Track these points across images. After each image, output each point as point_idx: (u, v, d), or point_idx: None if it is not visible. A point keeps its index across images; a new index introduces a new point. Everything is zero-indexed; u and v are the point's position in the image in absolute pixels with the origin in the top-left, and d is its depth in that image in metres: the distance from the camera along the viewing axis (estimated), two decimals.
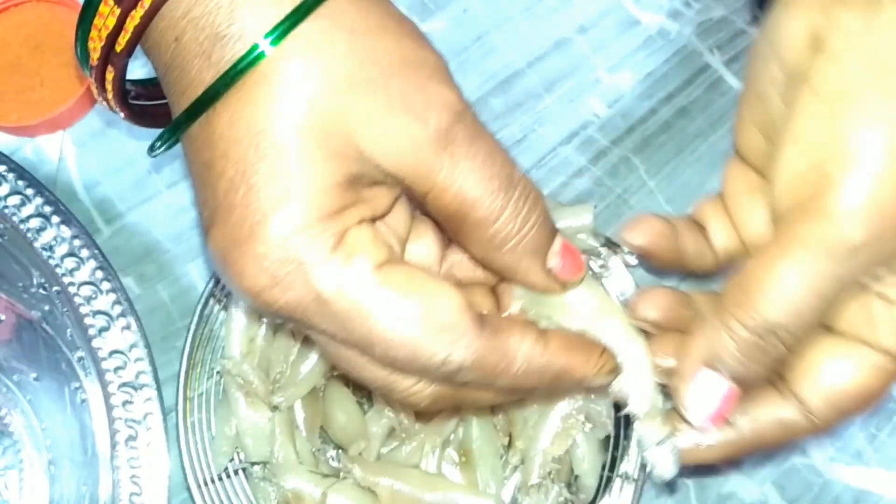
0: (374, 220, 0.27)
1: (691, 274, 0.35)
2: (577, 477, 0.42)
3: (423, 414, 0.41)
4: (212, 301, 0.42)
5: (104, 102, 0.31)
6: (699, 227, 0.34)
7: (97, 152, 0.49)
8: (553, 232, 0.28)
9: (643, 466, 0.42)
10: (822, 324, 0.29)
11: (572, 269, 0.28)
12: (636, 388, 0.29)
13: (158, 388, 0.36)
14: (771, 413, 0.30)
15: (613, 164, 0.50)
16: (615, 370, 0.29)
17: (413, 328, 0.25)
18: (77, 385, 0.42)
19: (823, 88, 0.26)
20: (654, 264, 0.32)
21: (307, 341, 0.42)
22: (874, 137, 0.25)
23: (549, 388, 0.28)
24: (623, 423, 0.43)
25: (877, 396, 0.29)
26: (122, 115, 0.31)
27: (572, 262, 0.28)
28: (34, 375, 0.44)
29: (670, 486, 0.39)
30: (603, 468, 0.43)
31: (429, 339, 0.25)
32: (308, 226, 0.24)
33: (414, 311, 0.25)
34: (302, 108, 0.24)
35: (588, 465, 0.42)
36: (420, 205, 0.27)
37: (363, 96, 0.24)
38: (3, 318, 0.44)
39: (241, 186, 0.24)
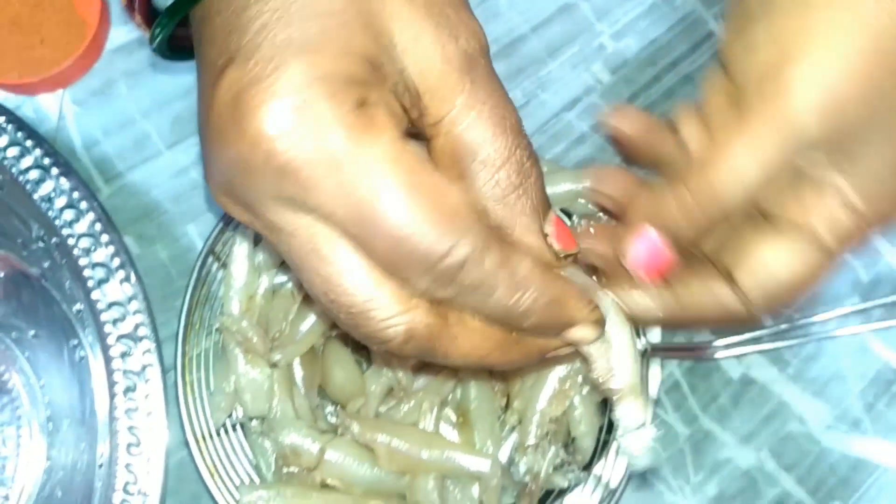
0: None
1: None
2: (574, 439, 0.42)
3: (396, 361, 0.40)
4: (210, 259, 0.42)
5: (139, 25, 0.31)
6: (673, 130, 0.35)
7: (97, 111, 0.48)
8: (548, 200, 0.28)
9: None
10: (760, 210, 0.30)
11: (567, 241, 0.28)
12: (619, 364, 0.29)
13: (157, 342, 0.36)
14: (711, 291, 0.30)
15: (599, 146, 0.50)
16: (600, 324, 0.28)
17: (424, 209, 0.24)
18: (76, 342, 0.42)
19: None
20: (629, 155, 0.33)
21: (307, 300, 0.42)
22: (842, 30, 0.26)
23: (539, 324, 0.27)
24: None
25: (809, 286, 0.30)
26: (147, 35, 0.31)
27: (566, 235, 0.28)
28: (32, 333, 0.44)
29: (642, 479, 0.39)
30: (600, 431, 0.43)
31: (439, 221, 0.24)
32: (335, 79, 0.23)
33: (426, 194, 0.24)
34: None
35: (585, 426, 0.42)
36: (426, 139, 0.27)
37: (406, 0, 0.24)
38: (2, 274, 0.44)
39: (274, 28, 0.24)
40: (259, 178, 0.24)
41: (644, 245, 0.30)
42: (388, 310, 0.25)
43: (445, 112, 0.25)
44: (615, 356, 0.29)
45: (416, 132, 0.27)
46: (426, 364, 0.41)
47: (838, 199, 0.28)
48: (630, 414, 0.29)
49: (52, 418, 0.44)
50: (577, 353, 0.30)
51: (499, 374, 0.42)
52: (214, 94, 0.24)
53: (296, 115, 0.23)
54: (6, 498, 0.44)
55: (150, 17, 0.31)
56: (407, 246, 0.24)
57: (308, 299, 0.42)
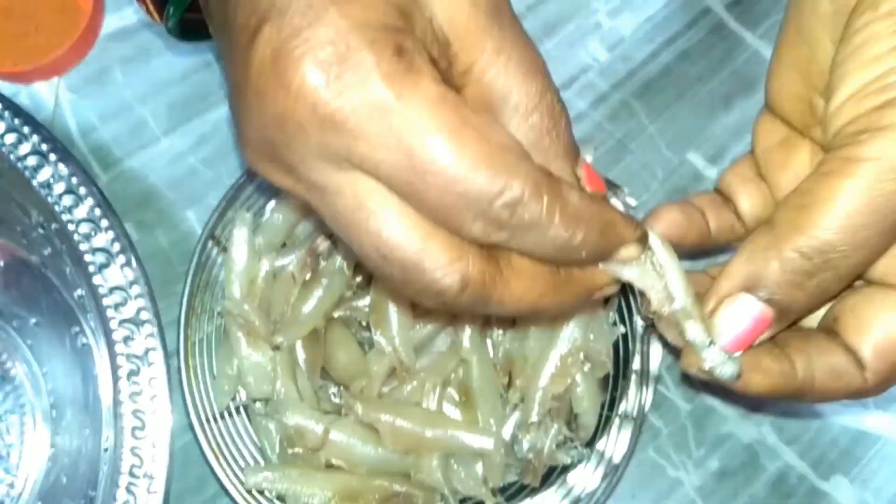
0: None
1: (722, 249, 0.35)
2: (576, 416, 0.42)
3: (419, 312, 0.40)
4: (210, 244, 0.42)
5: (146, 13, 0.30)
6: (724, 200, 0.34)
7: (93, 98, 0.48)
8: (577, 148, 0.27)
9: (641, 408, 0.43)
10: (870, 276, 0.28)
11: (597, 184, 0.27)
12: (674, 289, 0.28)
13: (160, 326, 0.36)
14: (825, 359, 0.28)
15: (614, 109, 0.49)
16: (645, 239, 0.27)
17: (475, 147, 0.23)
18: (77, 329, 0.42)
19: (890, 7, 0.26)
20: (681, 251, 0.31)
21: (307, 285, 0.42)
22: None
23: (594, 251, 0.26)
24: (622, 364, 0.43)
25: None
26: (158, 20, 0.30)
27: (596, 178, 0.27)
28: (34, 321, 0.44)
29: (725, 391, 0.36)
30: (602, 407, 0.43)
31: (491, 159, 0.23)
32: (372, 27, 0.23)
33: (475, 131, 0.23)
34: None
35: (587, 403, 0.42)
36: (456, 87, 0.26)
37: None
38: (2, 263, 0.44)
39: None
40: (304, 134, 0.24)
41: (738, 312, 0.28)
42: (442, 259, 0.25)
43: (475, 59, 0.25)
44: (669, 282, 0.29)
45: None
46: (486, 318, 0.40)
47: None
48: (699, 333, 0.28)
49: (56, 406, 0.44)
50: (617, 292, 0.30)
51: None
52: (251, 54, 0.24)
53: (339, 65, 0.23)
54: (11, 486, 0.44)
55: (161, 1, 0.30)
56: (459, 188, 0.23)
57: (308, 284, 0.42)
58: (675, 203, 0.33)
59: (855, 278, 0.28)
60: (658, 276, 0.29)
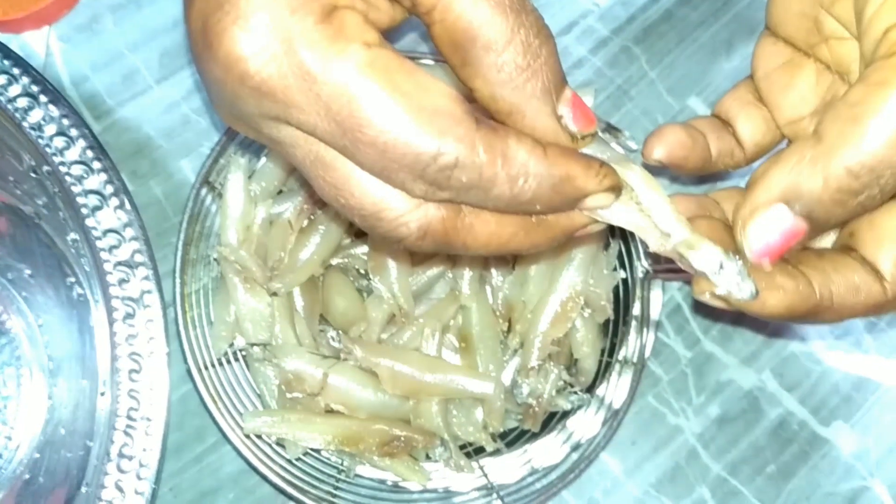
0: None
1: (720, 175, 0.33)
2: (576, 361, 0.42)
3: (418, 259, 0.40)
4: (205, 190, 0.41)
5: None
6: (723, 124, 0.33)
7: (84, 47, 0.47)
8: (563, 78, 0.26)
9: (642, 354, 0.43)
10: None
11: (584, 121, 0.26)
12: (666, 225, 0.27)
13: (155, 269, 0.35)
14: (841, 274, 0.27)
15: (614, 55, 0.49)
16: (617, 187, 0.27)
17: (404, 112, 0.23)
18: (73, 280, 0.41)
19: None
20: (681, 174, 0.31)
21: (304, 232, 0.42)
22: None
23: (549, 206, 0.26)
24: (623, 310, 0.43)
25: None
26: None
27: (584, 114, 0.26)
28: (29, 272, 0.44)
29: (712, 309, 0.36)
30: (602, 353, 0.43)
31: (421, 123, 0.23)
32: None
33: (406, 95, 0.23)
34: None
35: (587, 348, 0.42)
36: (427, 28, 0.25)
37: None
38: None
39: None
40: (242, 101, 0.24)
41: (770, 222, 0.26)
42: (398, 209, 0.25)
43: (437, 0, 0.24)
44: (658, 220, 0.27)
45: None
46: (451, 257, 0.40)
47: None
48: (705, 261, 0.27)
49: (52, 358, 0.44)
50: (604, 229, 0.28)
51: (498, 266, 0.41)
52: (189, 24, 0.25)
53: (262, 35, 0.23)
54: (9, 438, 0.44)
55: None
56: (393, 153, 0.23)
57: (305, 230, 0.42)
58: (678, 124, 0.32)
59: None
60: (645, 215, 0.27)
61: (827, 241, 0.30)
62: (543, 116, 0.25)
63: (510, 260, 0.42)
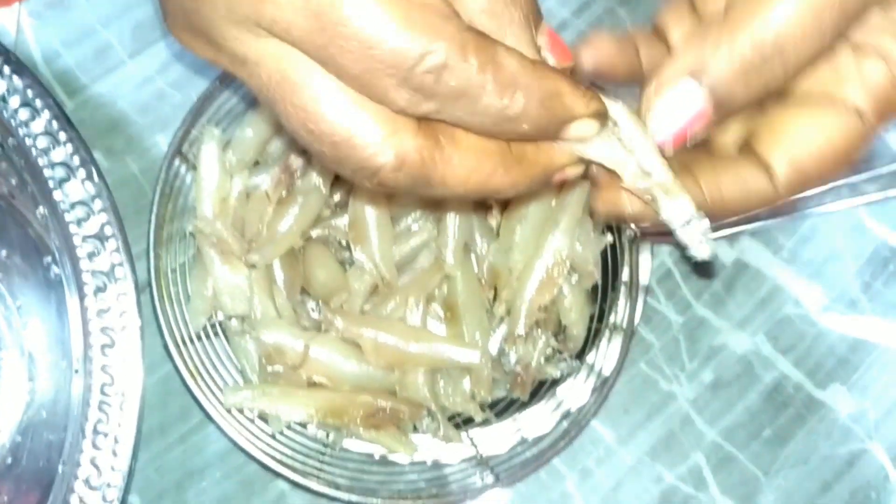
0: None
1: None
2: (564, 328, 0.41)
3: (396, 201, 0.39)
4: (178, 161, 0.41)
5: None
6: (658, 35, 0.32)
7: (55, 24, 0.46)
8: (539, 12, 0.25)
9: (631, 320, 0.42)
10: (789, 89, 0.28)
11: (562, 54, 0.25)
12: (647, 164, 0.27)
13: (125, 241, 0.34)
14: (732, 173, 0.28)
15: (597, 16, 0.48)
16: (602, 114, 0.25)
17: (392, 6, 0.21)
18: (49, 259, 0.40)
19: None
20: (610, 81, 0.30)
21: (282, 203, 0.41)
22: None
23: (536, 125, 0.24)
24: (611, 275, 0.42)
25: (845, 157, 0.27)
26: None
27: (561, 47, 0.26)
28: (4, 253, 0.43)
29: (706, 269, 0.37)
30: (591, 320, 0.42)
31: (409, 18, 0.22)
32: None
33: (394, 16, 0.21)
34: None
35: (575, 315, 0.41)
36: None
37: None
38: None
39: None
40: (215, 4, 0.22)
41: (677, 102, 0.26)
42: (374, 134, 0.23)
43: None
44: (641, 158, 0.27)
45: None
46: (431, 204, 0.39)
47: (882, 66, 0.26)
48: (675, 210, 0.27)
49: (32, 340, 0.43)
50: (585, 176, 0.28)
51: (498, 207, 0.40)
52: None
53: None
54: None
55: None
56: (376, 53, 0.22)
57: (283, 202, 0.41)
58: (610, 34, 0.30)
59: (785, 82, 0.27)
60: (628, 150, 0.26)
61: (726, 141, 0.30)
62: (522, 45, 0.24)
63: (492, 206, 0.41)
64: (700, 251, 0.28)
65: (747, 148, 0.29)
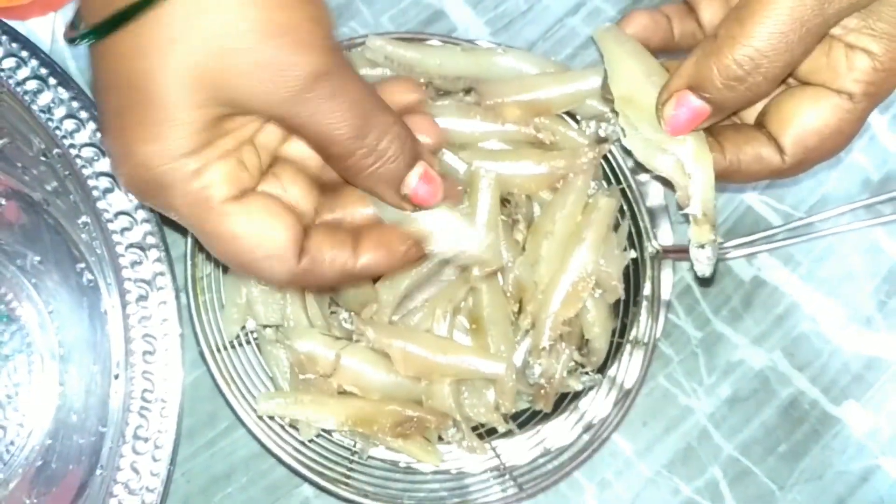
0: (242, 143, 0.30)
1: (685, 52, 0.37)
2: (587, 341, 0.42)
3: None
4: None
5: None
6: (689, 9, 0.38)
7: None
8: (412, 162, 0.31)
9: (653, 334, 0.43)
10: (796, 77, 0.35)
11: (428, 195, 0.31)
12: (696, 194, 0.34)
13: (167, 251, 0.35)
14: (751, 146, 0.35)
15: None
16: (422, 257, 0.32)
17: (245, 254, 0.29)
18: (83, 266, 0.41)
19: None
20: (649, 51, 0.36)
21: None
22: None
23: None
24: (633, 290, 0.43)
25: (841, 136, 0.34)
26: None
27: (429, 190, 0.31)
28: (37, 259, 0.44)
29: (704, 282, 0.46)
30: (613, 333, 0.43)
31: (256, 263, 0.30)
32: (172, 159, 0.28)
33: (247, 242, 0.29)
34: (184, 59, 0.27)
35: (599, 329, 0.42)
36: None
37: (239, 56, 0.27)
38: (4, 202, 0.43)
39: (124, 115, 0.28)
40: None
41: (682, 104, 0.33)
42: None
43: (294, 130, 0.29)
44: (693, 187, 0.34)
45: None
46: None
47: (866, 58, 0.32)
48: (699, 234, 0.35)
49: (63, 344, 0.44)
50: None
51: None
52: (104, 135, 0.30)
53: (147, 185, 0.29)
54: (21, 425, 0.44)
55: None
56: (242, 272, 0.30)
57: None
58: (645, 10, 0.37)
59: (783, 79, 0.33)
60: (687, 178, 0.34)
61: (750, 117, 0.37)
62: (388, 197, 0.31)
63: (518, 221, 0.42)
64: (703, 270, 0.36)
65: (760, 127, 0.35)
